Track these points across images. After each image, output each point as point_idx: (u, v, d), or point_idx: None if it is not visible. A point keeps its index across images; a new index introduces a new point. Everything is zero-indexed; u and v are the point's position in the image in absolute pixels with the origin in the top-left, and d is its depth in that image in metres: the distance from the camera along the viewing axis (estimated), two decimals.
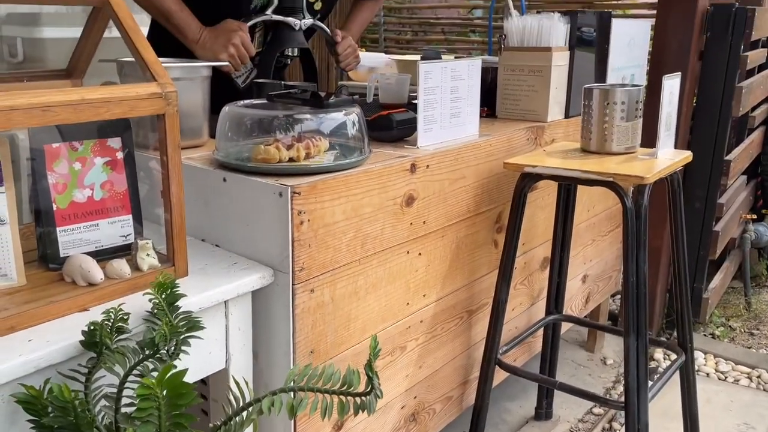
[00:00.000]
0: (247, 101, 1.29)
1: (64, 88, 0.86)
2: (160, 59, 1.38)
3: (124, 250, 1.06)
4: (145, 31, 1.81)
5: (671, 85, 1.48)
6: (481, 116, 1.66)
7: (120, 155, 1.05)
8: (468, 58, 1.55)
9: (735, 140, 2.69)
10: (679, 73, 1.54)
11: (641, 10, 3.68)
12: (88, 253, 1.01)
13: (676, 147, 1.63)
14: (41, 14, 2.64)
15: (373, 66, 4.39)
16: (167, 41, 1.63)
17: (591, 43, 1.94)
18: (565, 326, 2.06)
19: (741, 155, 2.52)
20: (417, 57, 4.07)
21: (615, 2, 3.92)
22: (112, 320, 0.82)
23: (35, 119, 0.82)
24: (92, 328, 0.80)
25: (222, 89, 1.51)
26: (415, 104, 1.47)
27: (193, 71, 1.31)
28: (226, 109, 1.23)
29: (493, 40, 4.14)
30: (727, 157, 2.37)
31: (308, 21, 1.77)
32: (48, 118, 0.83)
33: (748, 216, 2.88)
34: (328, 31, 1.91)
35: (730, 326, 2.68)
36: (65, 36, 2.63)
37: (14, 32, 2.63)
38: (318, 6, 1.87)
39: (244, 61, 1.62)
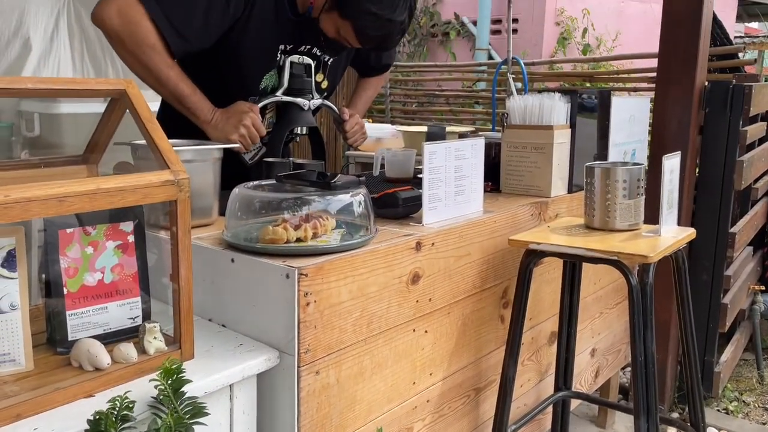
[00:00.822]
0: (256, 182, 1.33)
1: (80, 179, 0.89)
2: (174, 140, 1.43)
3: (132, 333, 1.07)
4: (154, 106, 1.87)
5: (671, 165, 1.51)
6: (485, 191, 1.69)
7: (131, 239, 1.07)
8: (471, 138, 1.59)
9: (739, 211, 2.71)
10: (679, 152, 1.57)
11: (641, 83, 3.77)
12: (96, 336, 1.01)
13: (680, 221, 1.65)
14: None
15: (380, 137, 4.50)
16: (177, 119, 1.68)
17: (592, 120, 1.99)
18: (575, 401, 2.02)
19: (746, 227, 2.54)
20: (423, 128, 4.17)
21: (614, 75, 4.03)
22: (117, 409, 0.82)
23: (52, 209, 0.84)
24: (97, 417, 0.80)
25: (230, 164, 1.54)
26: (421, 178, 1.49)
27: (205, 153, 1.35)
28: (236, 191, 1.26)
29: (497, 112, 4.23)
30: (732, 230, 2.38)
31: (317, 101, 1.83)
32: (64, 208, 0.86)
33: (757, 287, 2.86)
34: (336, 109, 1.97)
35: (743, 401, 2.62)
36: (81, 111, 2.73)
37: (32, 108, 2.72)
38: (324, 84, 1.94)
39: (254, 141, 1.67)
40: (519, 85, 4.43)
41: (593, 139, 1.99)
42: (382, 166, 2.19)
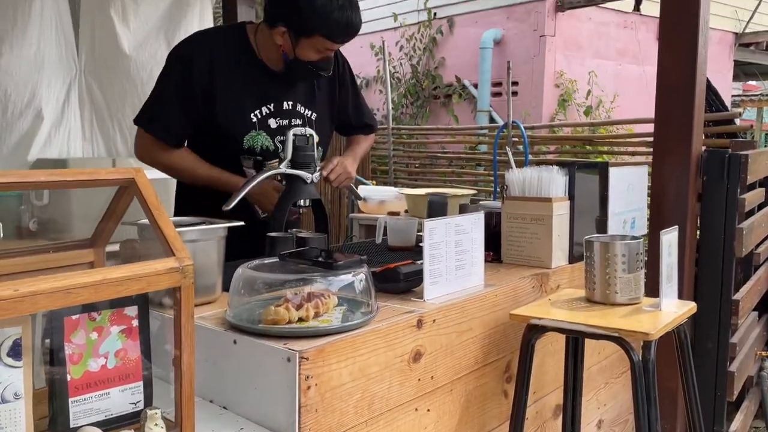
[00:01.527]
0: (258, 261, 1.35)
1: (86, 270, 0.91)
2: (181, 218, 1.46)
3: (133, 418, 1.07)
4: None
5: (669, 239, 1.53)
6: (486, 260, 1.70)
7: (135, 323, 1.08)
8: (471, 214, 1.62)
9: (743, 277, 2.71)
10: (676, 227, 1.59)
11: (639, 147, 3.83)
12: (98, 423, 1.02)
13: (682, 289, 1.66)
14: (68, 161, 2.80)
15: (383, 199, 4.54)
16: (192, 195, 1.95)
17: (591, 191, 2.03)
18: None
19: (749, 293, 2.53)
20: (425, 191, 4.22)
21: (613, 139, 4.10)
22: None
23: (59, 301, 0.86)
24: None
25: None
26: (423, 247, 1.50)
27: (210, 233, 1.37)
28: (239, 271, 1.28)
29: (498, 178, 4.30)
30: (735, 297, 2.37)
31: (318, 174, 1.87)
32: (70, 300, 0.88)
33: (764, 353, 2.83)
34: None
35: None
36: None
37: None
38: (316, 139, 2.00)
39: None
40: (520, 147, 4.51)
41: (592, 219, 2.02)
42: (385, 233, 2.22)
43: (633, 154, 3.84)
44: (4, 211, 2.68)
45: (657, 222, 2.31)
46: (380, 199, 4.29)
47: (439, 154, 5.69)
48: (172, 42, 3.03)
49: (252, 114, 1.92)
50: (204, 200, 1.84)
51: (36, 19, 2.83)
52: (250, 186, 1.77)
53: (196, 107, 1.86)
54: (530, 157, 4.31)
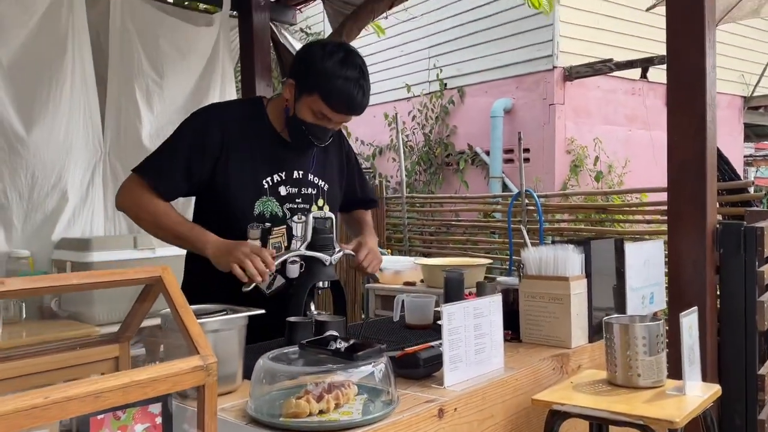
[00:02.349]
0: (278, 351, 1.36)
1: (114, 374, 0.93)
2: (202, 306, 1.48)
3: None
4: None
5: (689, 321, 1.52)
6: (505, 340, 1.70)
7: (159, 420, 1.09)
8: (489, 297, 1.63)
9: (766, 349, 2.65)
10: (695, 308, 1.59)
11: (655, 215, 3.85)
12: None
13: (705, 367, 1.63)
14: (91, 240, 2.86)
15: (399, 270, 4.54)
16: (201, 283, 1.84)
17: (607, 263, 2.03)
18: None
19: None
20: (441, 261, 4.22)
21: (627, 208, 4.12)
22: None
23: (88, 406, 0.88)
24: None
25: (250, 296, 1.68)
26: (440, 325, 1.50)
27: (232, 322, 1.39)
28: (260, 362, 1.29)
29: (513, 251, 4.31)
30: (761, 371, 2.33)
31: (338, 255, 1.90)
32: (99, 404, 0.89)
33: None
34: (351, 252, 2.02)
35: None
36: (112, 259, 2.83)
37: (66, 257, 2.84)
38: (326, 209, 2.04)
39: (262, 272, 1.71)
40: (535, 215, 4.54)
41: (610, 296, 2.02)
42: (402, 310, 2.23)
43: (648, 222, 3.85)
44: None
45: (676, 297, 2.30)
46: (396, 269, 4.30)
47: (454, 222, 5.73)
48: None
49: (264, 180, 1.93)
50: (217, 277, 1.78)
51: (66, 104, 2.96)
52: (279, 261, 1.77)
53: (201, 167, 1.86)
54: (545, 224, 4.33)
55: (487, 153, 7.26)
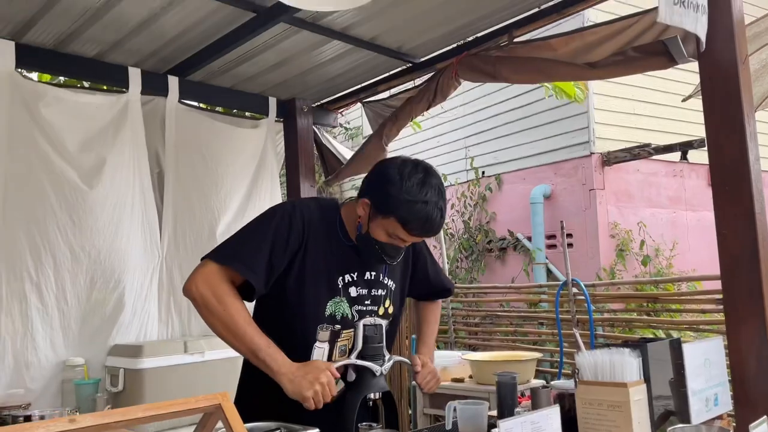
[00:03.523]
0: None
1: None
2: (256, 425, 1.49)
3: None
4: None
5: None
6: None
7: None
8: (546, 409, 1.59)
9: None
10: (765, 417, 1.52)
11: (707, 305, 3.72)
12: None
13: None
14: (143, 346, 2.91)
15: (446, 365, 4.47)
16: (256, 395, 1.85)
17: (665, 371, 1.96)
18: None
19: None
20: (489, 355, 4.13)
21: (679, 297, 4.01)
22: None
23: None
24: None
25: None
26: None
27: None
28: None
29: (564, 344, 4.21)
30: None
31: (388, 365, 1.89)
32: None
33: None
34: (409, 362, 2.03)
35: None
36: (163, 365, 2.87)
37: (118, 363, 2.89)
38: (391, 310, 2.04)
39: (326, 399, 1.71)
40: (584, 305, 4.45)
41: (671, 400, 1.95)
42: (455, 417, 2.17)
43: (703, 311, 3.72)
44: (81, 399, 2.76)
45: (742, 399, 2.20)
46: (443, 365, 4.22)
47: (499, 312, 5.65)
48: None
49: (339, 279, 1.91)
50: (268, 385, 1.77)
51: (128, 214, 3.10)
52: (339, 366, 1.78)
53: (281, 263, 1.82)
54: (594, 315, 4.23)
55: (529, 239, 7.23)
